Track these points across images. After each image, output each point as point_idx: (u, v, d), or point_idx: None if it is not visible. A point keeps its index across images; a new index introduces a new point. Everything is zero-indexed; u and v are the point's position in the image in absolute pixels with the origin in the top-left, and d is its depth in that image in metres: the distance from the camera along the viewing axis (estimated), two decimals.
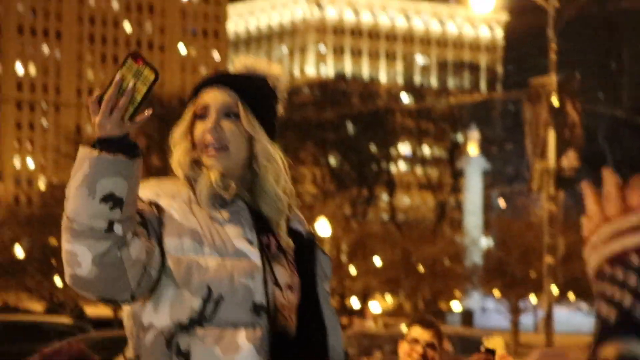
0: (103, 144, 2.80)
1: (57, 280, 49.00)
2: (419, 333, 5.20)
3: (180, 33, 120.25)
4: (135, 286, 2.84)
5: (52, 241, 50.94)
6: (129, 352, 2.99)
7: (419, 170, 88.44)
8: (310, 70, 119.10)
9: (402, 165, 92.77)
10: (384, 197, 78.10)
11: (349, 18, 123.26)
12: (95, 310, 43.22)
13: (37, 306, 49.38)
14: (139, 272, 2.83)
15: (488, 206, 68.24)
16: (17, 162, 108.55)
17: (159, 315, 2.90)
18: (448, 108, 79.24)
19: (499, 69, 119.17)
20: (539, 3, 28.63)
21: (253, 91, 3.04)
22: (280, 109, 3.10)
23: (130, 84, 2.82)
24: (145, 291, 2.88)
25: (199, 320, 2.88)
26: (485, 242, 59.40)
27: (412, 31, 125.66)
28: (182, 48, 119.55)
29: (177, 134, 3.06)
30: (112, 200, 2.74)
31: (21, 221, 53.97)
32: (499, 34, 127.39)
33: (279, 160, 3.05)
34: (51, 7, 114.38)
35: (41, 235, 50.74)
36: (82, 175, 2.76)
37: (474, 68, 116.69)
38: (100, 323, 31.15)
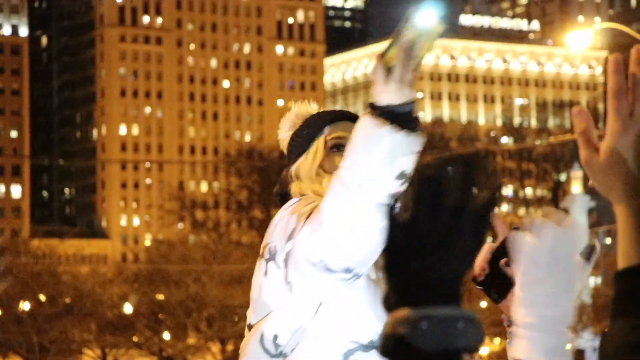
0: (392, 115, 2.70)
1: (166, 335, 49.48)
2: None
3: (277, 87, 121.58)
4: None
5: (160, 296, 51.53)
6: None
7: (521, 211, 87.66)
8: None
9: (505, 207, 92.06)
10: (488, 239, 77.61)
11: (445, 63, 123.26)
12: None
13: None
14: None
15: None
16: (123, 220, 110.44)
17: (334, 330, 2.87)
18: (549, 148, 78.56)
19: (600, 107, 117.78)
20: (638, 38, 28.32)
21: None
22: None
23: (417, 42, 2.57)
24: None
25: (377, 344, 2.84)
26: (594, 281, 58.45)
27: (510, 73, 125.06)
28: (280, 102, 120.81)
29: (308, 165, 3.06)
30: (403, 177, 2.70)
31: (129, 278, 54.72)
32: (599, 71, 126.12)
33: None
34: (151, 68, 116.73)
35: (149, 291, 51.35)
36: (381, 153, 2.69)
37: (574, 106, 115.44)
38: None
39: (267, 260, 2.92)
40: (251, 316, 3.01)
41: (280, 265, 2.88)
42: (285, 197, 3.07)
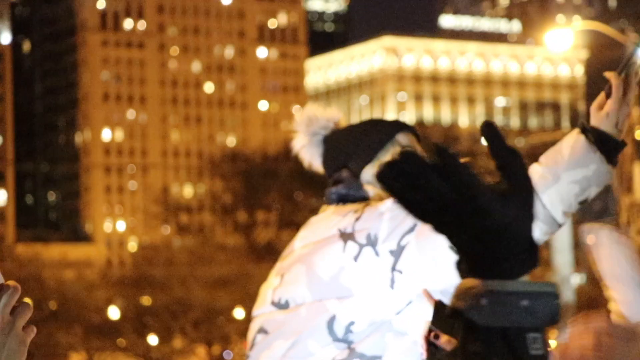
0: (607, 145, 2.71)
1: (152, 339, 49.60)
2: None
3: (260, 90, 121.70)
4: None
5: (145, 300, 51.64)
6: (363, 346, 2.88)
7: None
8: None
9: None
10: None
11: (427, 65, 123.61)
12: None
13: None
14: None
15: (577, 243, 67.60)
16: (108, 225, 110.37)
17: (420, 329, 2.80)
18: (531, 148, 78.86)
19: (581, 106, 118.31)
20: (618, 39, 28.54)
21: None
22: None
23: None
24: None
25: None
26: (577, 279, 58.79)
27: (491, 74, 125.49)
28: (263, 105, 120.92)
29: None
30: (584, 204, 2.74)
31: (114, 282, 54.81)
32: (579, 71, 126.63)
33: None
34: (134, 72, 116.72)
35: (134, 295, 51.43)
36: (584, 177, 2.72)
37: (556, 107, 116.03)
38: None
39: (362, 246, 2.83)
40: (302, 292, 2.89)
41: (381, 254, 2.80)
42: (345, 198, 2.97)
